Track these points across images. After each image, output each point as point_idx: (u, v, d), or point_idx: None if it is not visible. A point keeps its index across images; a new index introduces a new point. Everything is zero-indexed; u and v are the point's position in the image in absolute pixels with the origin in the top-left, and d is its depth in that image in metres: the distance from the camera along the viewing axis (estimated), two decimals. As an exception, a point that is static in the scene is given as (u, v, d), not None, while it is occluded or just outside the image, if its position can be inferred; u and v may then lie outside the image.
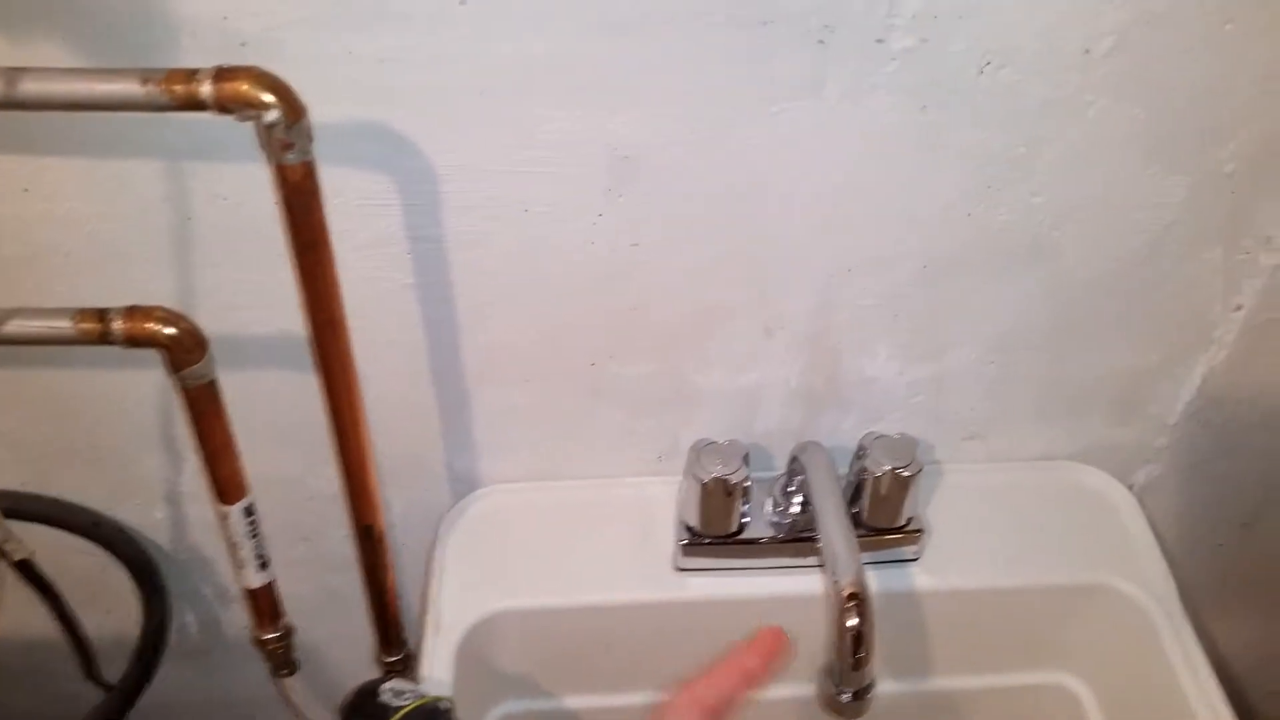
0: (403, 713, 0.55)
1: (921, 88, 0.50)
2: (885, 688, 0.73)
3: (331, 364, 0.50)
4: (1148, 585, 0.67)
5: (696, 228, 0.56)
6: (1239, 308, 0.63)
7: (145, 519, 0.71)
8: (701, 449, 0.63)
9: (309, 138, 0.43)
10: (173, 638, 0.80)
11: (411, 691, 0.56)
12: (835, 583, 0.55)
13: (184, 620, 0.80)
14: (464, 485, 0.69)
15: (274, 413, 0.63)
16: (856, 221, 0.56)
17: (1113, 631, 0.69)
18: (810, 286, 0.59)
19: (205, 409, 0.51)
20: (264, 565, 0.58)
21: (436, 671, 0.61)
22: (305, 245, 0.46)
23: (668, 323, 0.60)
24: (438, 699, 0.56)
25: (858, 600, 0.54)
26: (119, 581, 0.72)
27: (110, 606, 0.76)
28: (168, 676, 0.81)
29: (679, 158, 0.52)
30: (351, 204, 0.53)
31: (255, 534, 0.57)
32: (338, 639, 0.79)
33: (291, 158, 0.43)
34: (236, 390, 0.60)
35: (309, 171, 0.44)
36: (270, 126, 0.42)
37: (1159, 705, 0.65)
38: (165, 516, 0.71)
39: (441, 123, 0.50)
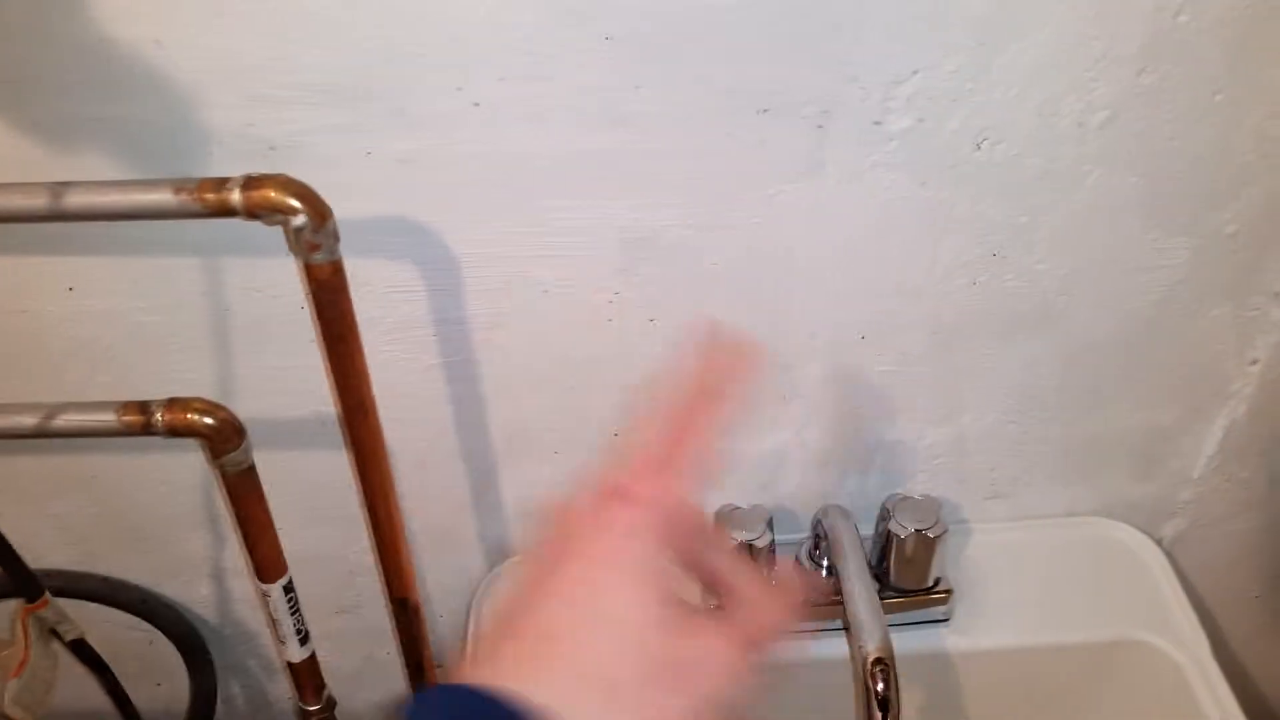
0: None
1: (920, 165, 0.52)
2: (921, 748, 0.74)
3: (362, 445, 0.52)
4: (1179, 639, 0.67)
5: (708, 302, 0.58)
6: (1255, 362, 0.64)
7: (191, 595, 0.73)
8: (726, 514, 0.65)
9: (335, 238, 0.46)
10: (220, 709, 0.82)
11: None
12: (860, 648, 0.56)
13: (230, 691, 0.82)
14: (497, 554, 0.71)
15: (311, 492, 0.66)
16: (864, 291, 0.58)
17: (1146, 687, 0.68)
18: (823, 354, 0.61)
19: (244, 492, 0.53)
20: (305, 639, 0.60)
21: (472, 741, 0.62)
22: (335, 337, 0.48)
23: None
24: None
25: (883, 665, 0.55)
26: (167, 655, 0.74)
27: (160, 679, 0.78)
28: (216, 748, 0.83)
29: (687, 238, 0.55)
30: (379, 292, 0.56)
31: (295, 610, 0.59)
32: (379, 708, 0.81)
33: (319, 258, 0.45)
34: (275, 470, 0.62)
35: (336, 269, 0.46)
36: (298, 230, 0.44)
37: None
38: (210, 592, 0.73)
39: (460, 214, 0.53)
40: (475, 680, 0.31)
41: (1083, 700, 0.71)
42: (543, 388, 0.61)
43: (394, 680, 0.76)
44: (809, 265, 0.57)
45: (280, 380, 0.60)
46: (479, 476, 0.66)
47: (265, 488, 0.58)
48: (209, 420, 0.50)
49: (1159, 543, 0.73)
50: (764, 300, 0.58)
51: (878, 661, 0.55)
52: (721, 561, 0.36)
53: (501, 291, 0.57)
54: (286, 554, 0.66)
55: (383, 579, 0.59)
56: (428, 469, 0.65)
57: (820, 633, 0.67)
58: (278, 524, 0.64)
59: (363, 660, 0.76)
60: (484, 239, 0.54)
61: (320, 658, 0.74)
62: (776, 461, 0.67)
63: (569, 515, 0.34)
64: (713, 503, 0.67)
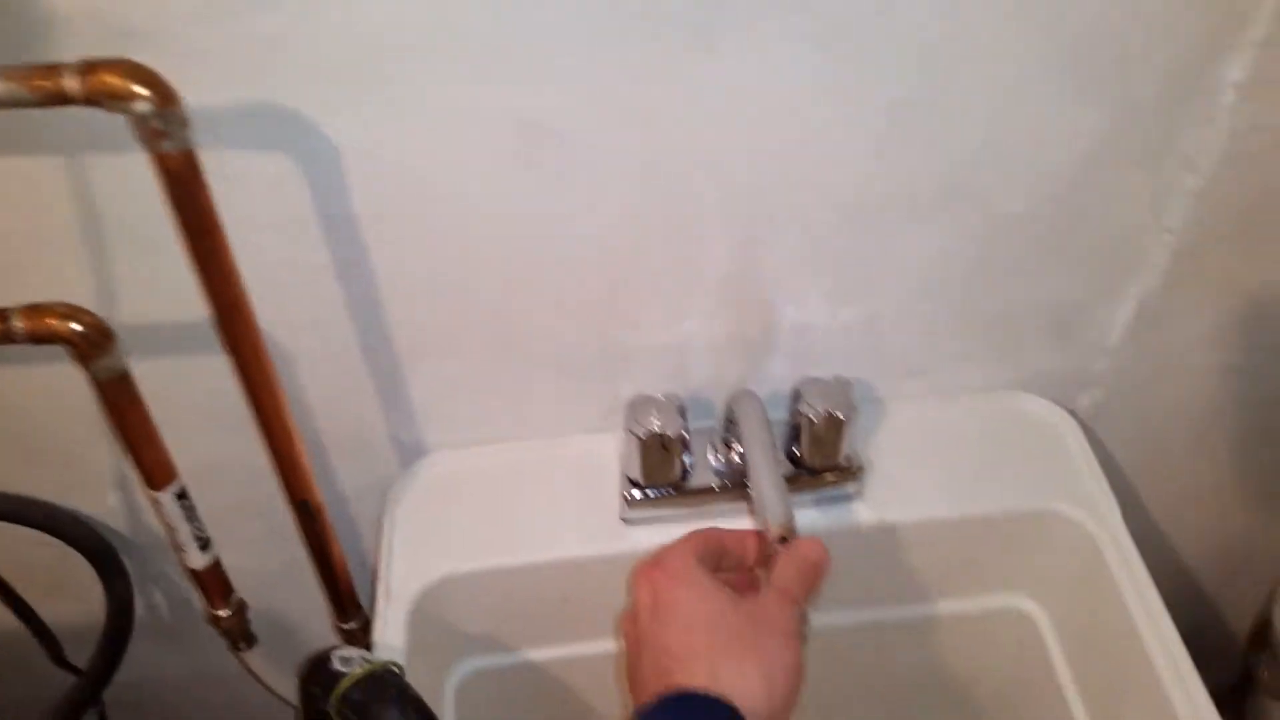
0: (350, 680, 0.56)
1: (821, 34, 0.49)
2: (841, 619, 0.75)
3: (240, 347, 0.50)
4: (1092, 508, 0.68)
5: (611, 189, 0.55)
6: (1169, 230, 0.63)
7: (99, 507, 0.72)
8: (637, 404, 0.64)
9: (184, 125, 0.43)
10: (144, 618, 0.81)
11: (360, 658, 0.57)
12: (765, 525, 0.56)
13: (154, 600, 0.81)
14: (411, 454, 0.70)
15: (208, 397, 0.63)
16: (769, 171, 0.56)
17: (1060, 556, 0.70)
18: (731, 238, 0.59)
19: (121, 400, 0.51)
20: (205, 546, 0.59)
21: (389, 637, 0.62)
22: (196, 233, 0.45)
23: (592, 285, 0.60)
24: (387, 664, 0.57)
25: (786, 541, 0.55)
26: (80, 570, 0.73)
27: (77, 594, 0.77)
28: (144, 656, 0.83)
29: (585, 122, 0.52)
30: (257, 187, 0.53)
31: (192, 516, 0.57)
32: (303, 609, 0.81)
33: (168, 146, 0.42)
34: (168, 376, 0.60)
35: (188, 159, 0.43)
36: (142, 118, 0.41)
37: (1108, 624, 0.66)
38: (118, 503, 0.72)
39: (336, 100, 0.50)
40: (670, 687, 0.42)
41: (995, 572, 0.73)
42: (441, 286, 0.59)
43: (316, 582, 0.75)
44: (710, 146, 0.54)
45: (162, 284, 0.57)
46: (383, 376, 0.64)
47: (160, 394, 0.56)
48: (74, 325, 0.48)
49: (1074, 414, 0.74)
50: (666, 184, 0.56)
51: (781, 537, 0.54)
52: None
53: (390, 184, 0.54)
54: (192, 460, 0.64)
55: (280, 481, 0.57)
56: (328, 370, 0.63)
57: (738, 514, 0.67)
58: (178, 431, 0.62)
59: (284, 563, 0.76)
60: (365, 127, 0.51)
61: (240, 562, 0.73)
62: (687, 349, 0.66)
63: (633, 610, 0.49)
64: (624, 393, 0.66)
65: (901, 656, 0.80)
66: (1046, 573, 0.72)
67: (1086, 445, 0.71)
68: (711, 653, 0.44)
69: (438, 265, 0.58)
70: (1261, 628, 0.86)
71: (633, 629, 0.49)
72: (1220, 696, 0.60)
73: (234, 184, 0.52)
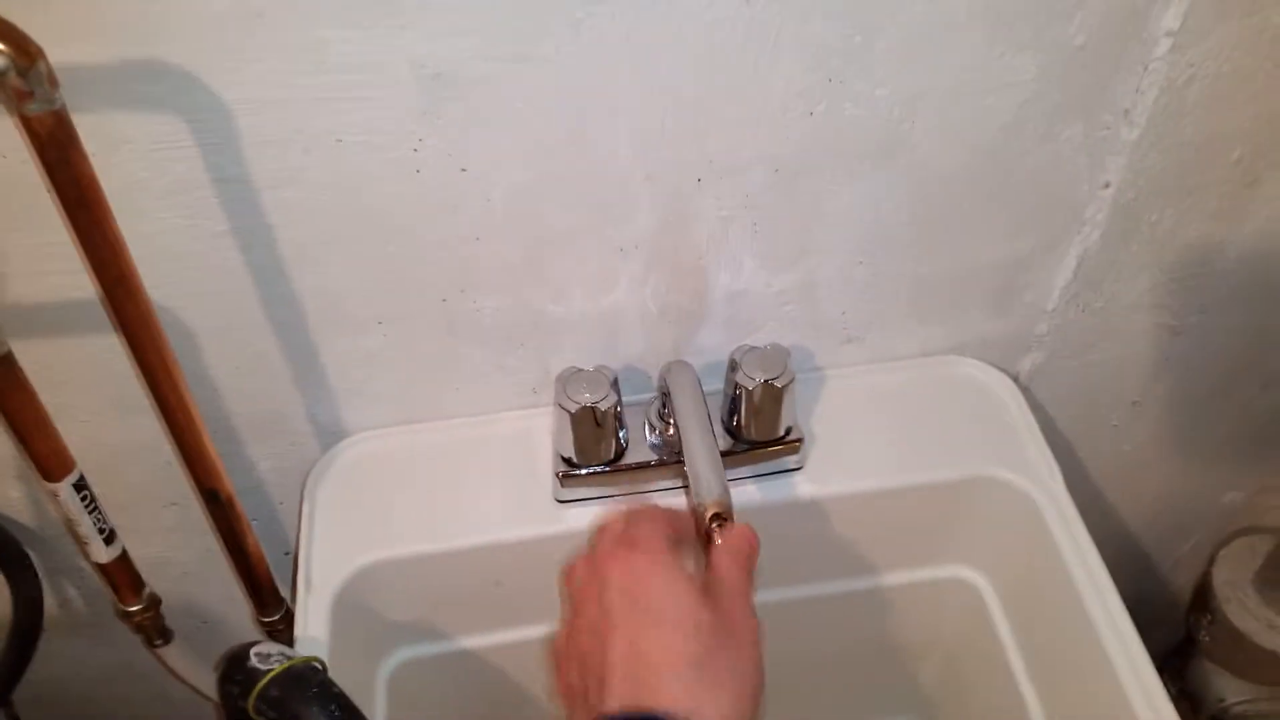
0: (268, 677, 0.53)
1: (742, -22, 0.47)
2: (783, 595, 0.73)
3: (131, 324, 0.46)
4: (1033, 474, 0.67)
5: (527, 147, 0.52)
6: (1107, 185, 0.61)
7: (1, 499, 0.67)
8: (567, 378, 0.61)
9: (52, 83, 0.39)
10: (58, 614, 0.77)
11: (280, 654, 0.54)
12: (699, 504, 0.54)
13: (67, 596, 0.77)
14: (331, 436, 0.67)
15: (115, 379, 0.59)
16: (694, 129, 0.53)
17: (1002, 522, 0.68)
18: (658, 201, 0.56)
19: (4, 386, 0.47)
20: (110, 538, 0.56)
21: (311, 630, 0.59)
22: (75, 203, 0.42)
23: (513, 250, 0.57)
24: (307, 660, 0.54)
25: (721, 520, 0.53)
26: (-18, 565, 0.69)
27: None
28: (60, 653, 0.79)
29: (491, 73, 0.49)
30: (143, 150, 0.49)
31: (93, 508, 0.54)
32: (224, 602, 0.77)
33: (34, 108, 0.39)
34: (71, 358, 0.57)
35: (60, 121, 0.40)
36: (1, 75, 0.37)
37: (1051, 590, 0.65)
38: (20, 495, 0.67)
39: (223, 55, 0.46)
40: (642, 707, 0.39)
41: (938, 540, 0.72)
42: (351, 251, 0.55)
43: (236, 572, 0.72)
44: (631, 101, 0.51)
45: (55, 258, 0.53)
46: (296, 353, 0.60)
47: (53, 379, 0.52)
48: (-59, 305, 0.44)
49: (1015, 378, 0.72)
50: (587, 144, 0.53)
51: (715, 516, 0.52)
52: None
53: (287, 143, 0.50)
54: (93, 448, 0.61)
55: (185, 470, 0.54)
56: (235, 348, 0.59)
57: (666, 491, 0.65)
58: (75, 417, 0.59)
59: (200, 554, 0.72)
60: (255, 81, 0.47)
61: (153, 553, 0.70)
62: (619, 320, 0.63)
63: (591, 582, 0.45)
64: (554, 367, 0.64)
65: (846, 629, 0.79)
66: (989, 539, 0.70)
67: (1027, 410, 0.70)
68: (691, 668, 0.40)
69: (346, 230, 0.54)
70: (1202, 591, 0.87)
71: (595, 612, 0.43)
72: (1162, 659, 0.59)
73: (118, 149, 0.48)
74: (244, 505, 0.62)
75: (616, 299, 0.61)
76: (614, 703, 0.39)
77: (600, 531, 0.48)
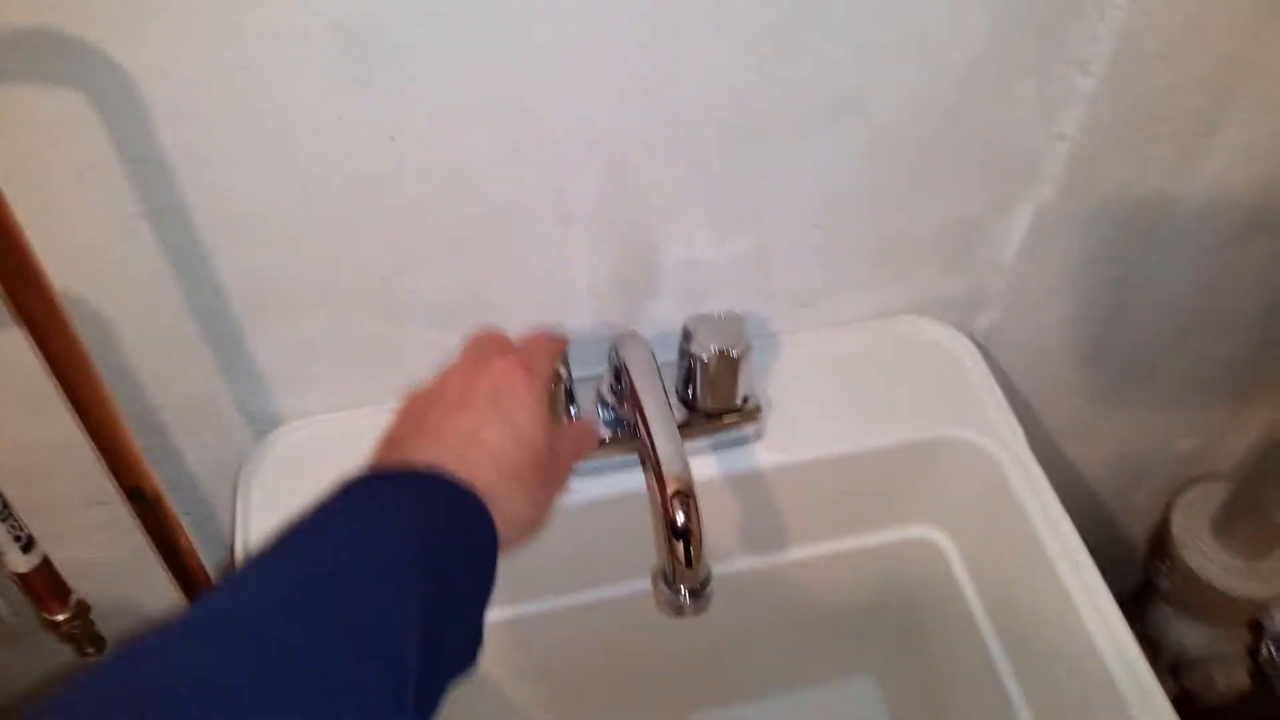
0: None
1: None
2: (746, 564, 0.72)
3: (34, 316, 0.43)
4: (993, 432, 0.66)
5: (459, 113, 0.49)
6: (1062, 138, 0.60)
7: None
8: (515, 355, 0.58)
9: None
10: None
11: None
12: (658, 480, 0.51)
13: (-8, 605, 0.73)
14: (266, 425, 0.63)
15: (27, 374, 0.55)
16: (638, 90, 0.50)
17: (964, 482, 0.67)
18: (602, 167, 0.54)
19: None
20: (28, 546, 0.52)
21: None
22: (-41, 187, 0.38)
23: (451, 224, 0.54)
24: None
25: (682, 496, 0.51)
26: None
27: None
28: (-9, 662, 0.75)
29: (415, 34, 0.45)
30: (47, 128, 0.45)
31: (6, 515, 0.50)
32: (160, 602, 0.74)
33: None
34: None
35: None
36: None
37: (1014, 545, 0.64)
38: (-67, 501, 0.63)
39: (127, 23, 0.42)
40: (412, 467, 0.42)
41: (900, 502, 0.70)
42: (277, 231, 0.52)
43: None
44: (567, 62, 0.48)
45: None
46: (224, 340, 0.57)
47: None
48: None
49: (972, 337, 0.71)
50: (523, 109, 0.50)
51: (676, 493, 0.50)
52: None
53: (202, 117, 0.46)
54: (14, 447, 0.57)
55: (106, 468, 0.50)
56: (157, 336, 0.55)
57: (633, 466, 0.63)
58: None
59: (132, 554, 0.68)
60: (163, 50, 0.43)
61: (81, 555, 0.66)
62: (567, 293, 0.60)
63: (459, 371, 0.48)
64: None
65: (808, 594, 0.78)
66: (951, 498, 0.69)
67: (985, 368, 0.69)
68: (511, 469, 0.44)
69: (271, 207, 0.51)
70: (1160, 538, 0.87)
71: (460, 392, 0.46)
72: (1121, 605, 0.59)
73: (18, 128, 0.44)
74: (176, 501, 0.59)
75: (563, 272, 0.59)
76: (420, 462, 0.42)
77: (517, 341, 0.51)
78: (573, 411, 0.61)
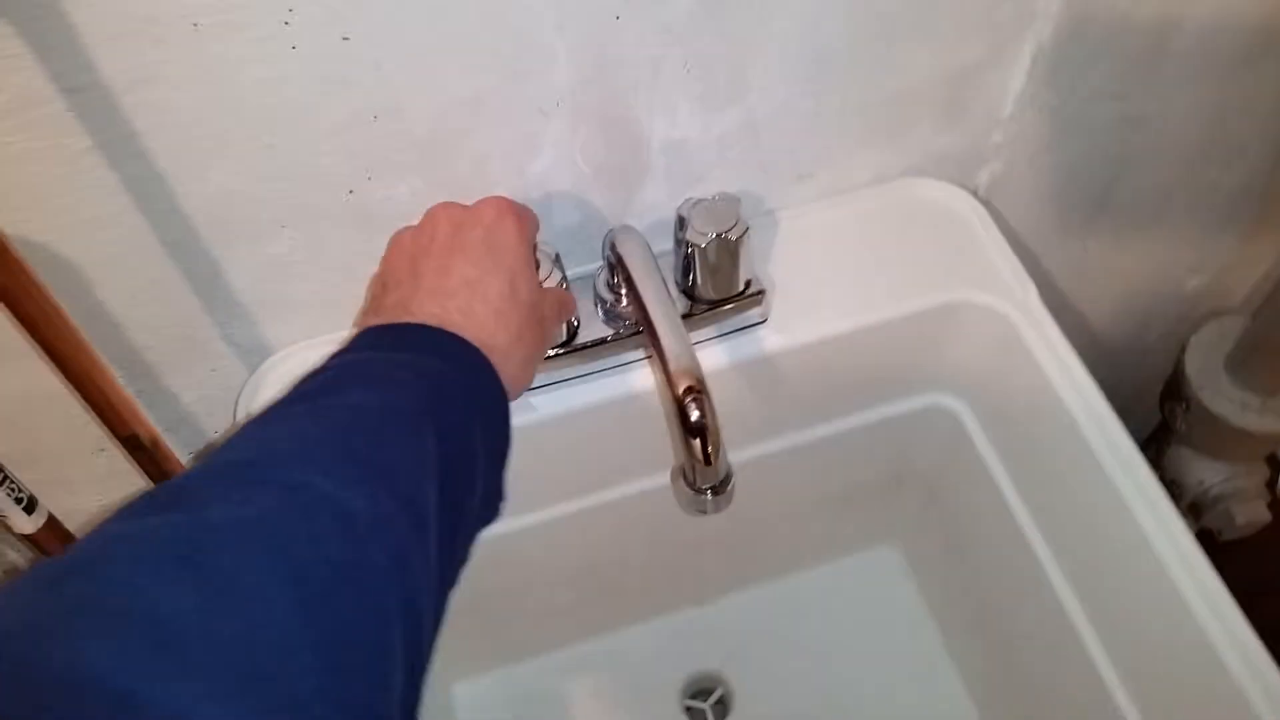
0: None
1: None
2: (762, 450, 0.71)
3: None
4: (1004, 290, 0.64)
5: (413, 4, 0.45)
6: (1059, -30, 0.56)
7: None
8: (504, 259, 0.56)
9: None
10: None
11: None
12: (669, 379, 0.50)
13: (9, 562, 0.72)
14: (256, 356, 0.61)
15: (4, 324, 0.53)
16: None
17: (978, 344, 0.66)
18: (575, 48, 0.50)
19: None
20: (30, 507, 0.51)
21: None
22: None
23: (420, 125, 0.51)
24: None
25: (695, 393, 0.49)
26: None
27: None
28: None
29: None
30: (-26, 67, 0.42)
31: (3, 479, 0.49)
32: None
33: None
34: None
35: None
36: None
37: (1033, 404, 0.63)
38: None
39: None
40: (419, 319, 0.42)
41: (913, 371, 0.69)
42: (235, 152, 0.49)
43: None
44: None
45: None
46: (197, 272, 0.54)
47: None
48: None
49: (975, 193, 0.68)
50: (485, -10, 0.46)
51: (688, 390, 0.49)
52: None
53: (137, 36, 0.43)
54: (6, 397, 0.55)
55: (98, 419, 0.49)
56: (128, 274, 0.53)
57: (632, 364, 0.61)
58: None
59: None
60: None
61: (87, 505, 0.65)
62: (550, 189, 0.57)
63: (449, 208, 0.48)
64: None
65: (826, 472, 0.78)
66: (965, 363, 0.68)
67: (992, 225, 0.66)
68: (516, 339, 0.44)
69: (224, 129, 0.47)
70: (1175, 380, 0.86)
71: (455, 227, 0.47)
72: (1138, 449, 0.58)
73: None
74: (178, 441, 0.57)
75: (544, 166, 0.56)
76: (429, 316, 0.42)
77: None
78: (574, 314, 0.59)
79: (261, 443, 0.34)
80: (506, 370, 0.43)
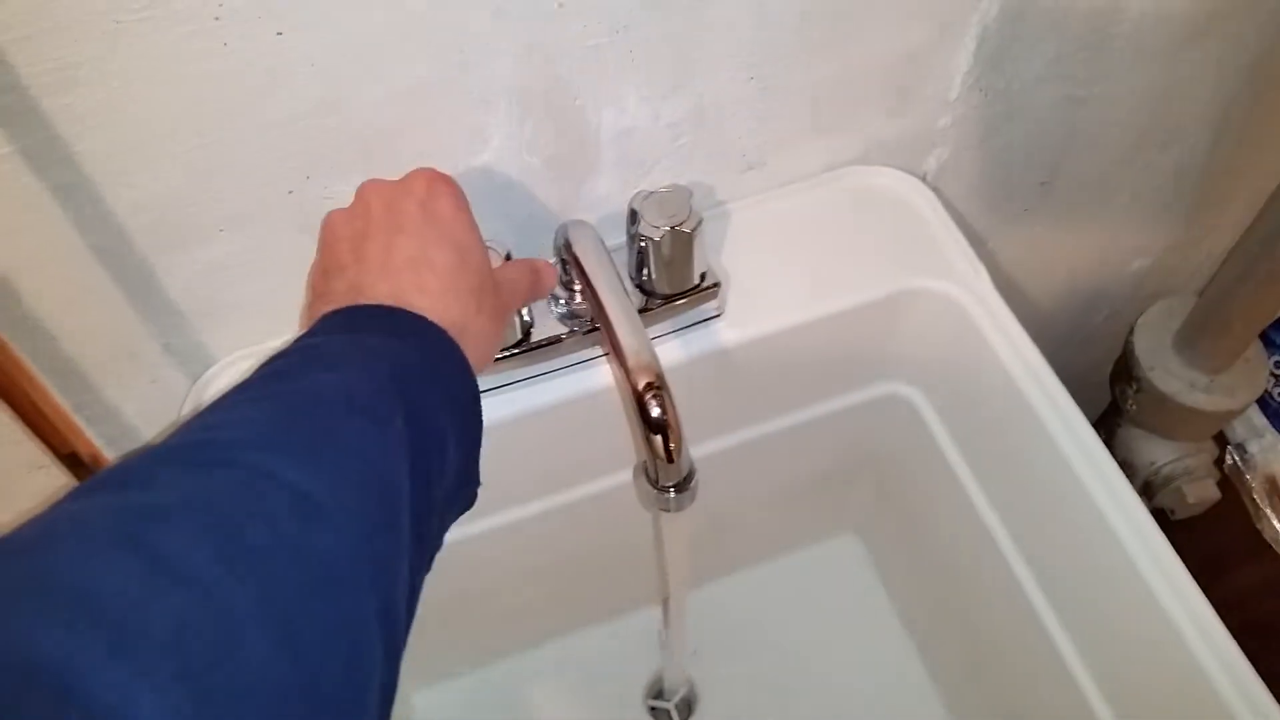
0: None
1: None
2: (722, 444, 0.71)
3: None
4: (956, 276, 0.64)
5: (346, -3, 0.44)
6: (1002, -48, 0.56)
7: None
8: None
9: None
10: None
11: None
12: (628, 376, 0.49)
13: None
14: (197, 365, 0.59)
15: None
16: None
17: (931, 331, 0.66)
18: (515, 37, 0.49)
19: None
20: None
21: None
22: None
23: (361, 121, 0.49)
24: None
25: (655, 389, 0.48)
26: None
27: None
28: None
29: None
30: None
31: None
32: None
33: None
34: None
35: None
36: None
37: (988, 388, 0.63)
38: None
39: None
40: (373, 300, 0.41)
41: (868, 361, 0.69)
42: (164, 155, 0.47)
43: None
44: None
45: None
46: (130, 280, 0.52)
47: None
48: None
49: (924, 178, 0.68)
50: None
51: (648, 386, 0.48)
52: None
53: (58, 34, 0.41)
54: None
55: (34, 439, 0.46)
56: (58, 287, 0.50)
57: (589, 362, 0.60)
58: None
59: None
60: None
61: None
62: (498, 183, 0.56)
63: (378, 185, 0.46)
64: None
65: (783, 465, 0.77)
66: (919, 350, 0.68)
67: (942, 210, 0.66)
68: (454, 291, 0.42)
69: (152, 131, 0.46)
70: (1124, 361, 0.87)
71: (389, 202, 0.44)
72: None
73: None
74: (117, 456, 0.55)
75: (490, 159, 0.54)
76: (384, 296, 0.41)
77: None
78: (525, 312, 0.58)
79: (218, 426, 0.33)
80: (468, 343, 0.42)
